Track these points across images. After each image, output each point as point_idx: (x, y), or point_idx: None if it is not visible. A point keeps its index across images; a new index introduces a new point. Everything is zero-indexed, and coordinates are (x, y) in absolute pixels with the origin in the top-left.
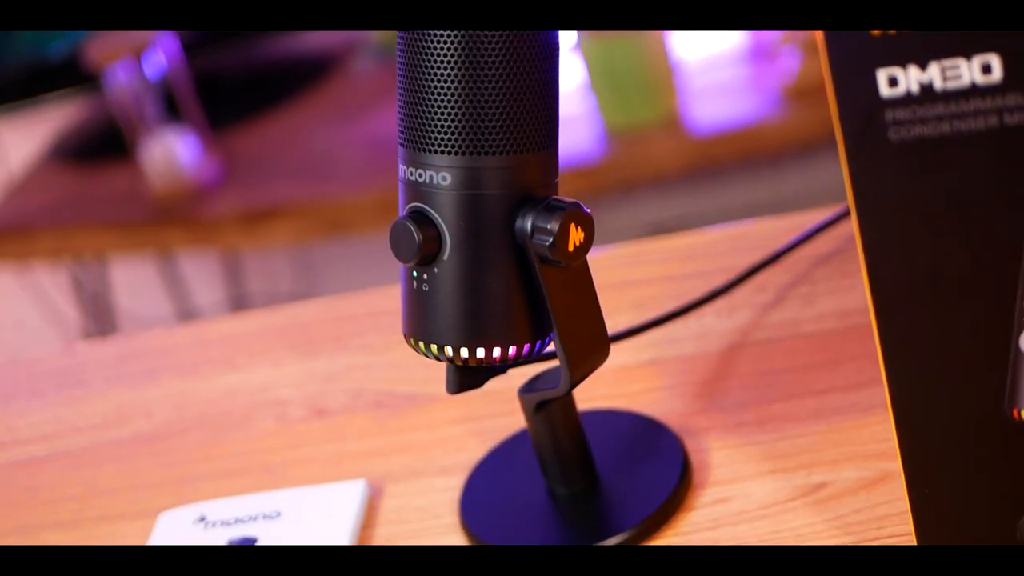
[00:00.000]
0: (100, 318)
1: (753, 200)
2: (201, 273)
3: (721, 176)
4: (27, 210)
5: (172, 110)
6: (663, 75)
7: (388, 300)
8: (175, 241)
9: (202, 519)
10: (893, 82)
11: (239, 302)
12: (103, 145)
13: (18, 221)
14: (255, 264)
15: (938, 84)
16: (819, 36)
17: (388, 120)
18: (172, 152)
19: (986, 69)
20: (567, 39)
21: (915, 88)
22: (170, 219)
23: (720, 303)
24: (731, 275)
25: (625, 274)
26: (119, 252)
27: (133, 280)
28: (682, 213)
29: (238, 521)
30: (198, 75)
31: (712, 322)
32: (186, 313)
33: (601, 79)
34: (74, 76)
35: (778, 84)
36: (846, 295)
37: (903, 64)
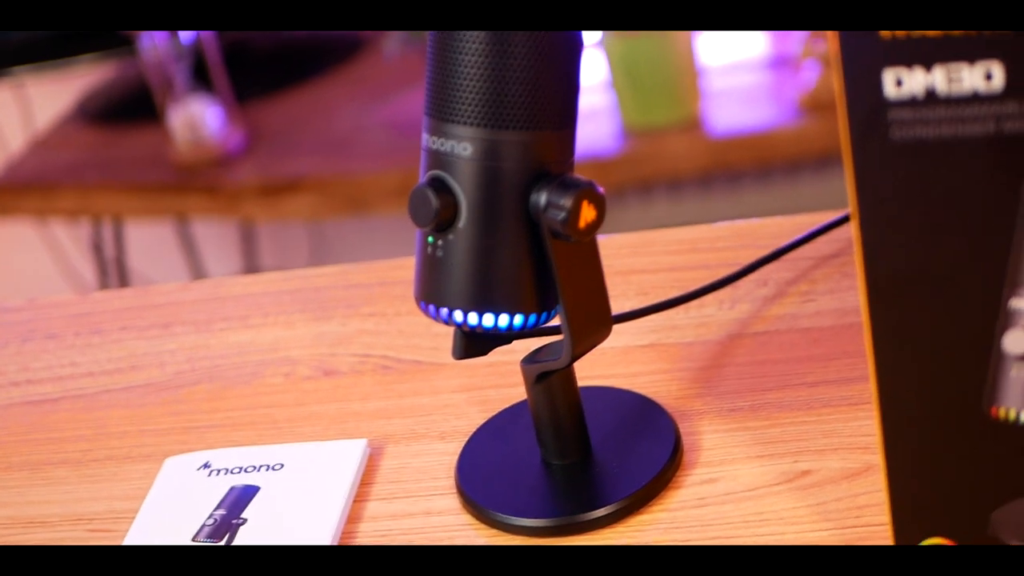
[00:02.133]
0: (115, 280)
1: (766, 208)
2: (216, 242)
3: (735, 182)
4: (50, 166)
5: (201, 77)
6: (685, 76)
7: (400, 270)
8: (194, 208)
9: (207, 466)
10: (899, 83)
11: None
12: (130, 107)
13: (40, 176)
14: (271, 237)
15: (941, 88)
16: (833, 35)
17: (413, 104)
18: (198, 118)
19: (988, 76)
20: (591, 33)
21: (919, 91)
22: (191, 186)
23: (722, 294)
24: (734, 269)
25: (631, 262)
26: (137, 215)
27: (148, 244)
28: (695, 217)
29: (242, 470)
30: (229, 44)
31: (713, 312)
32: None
33: (623, 76)
34: (108, 37)
35: (796, 94)
36: (844, 295)
37: (909, 65)
